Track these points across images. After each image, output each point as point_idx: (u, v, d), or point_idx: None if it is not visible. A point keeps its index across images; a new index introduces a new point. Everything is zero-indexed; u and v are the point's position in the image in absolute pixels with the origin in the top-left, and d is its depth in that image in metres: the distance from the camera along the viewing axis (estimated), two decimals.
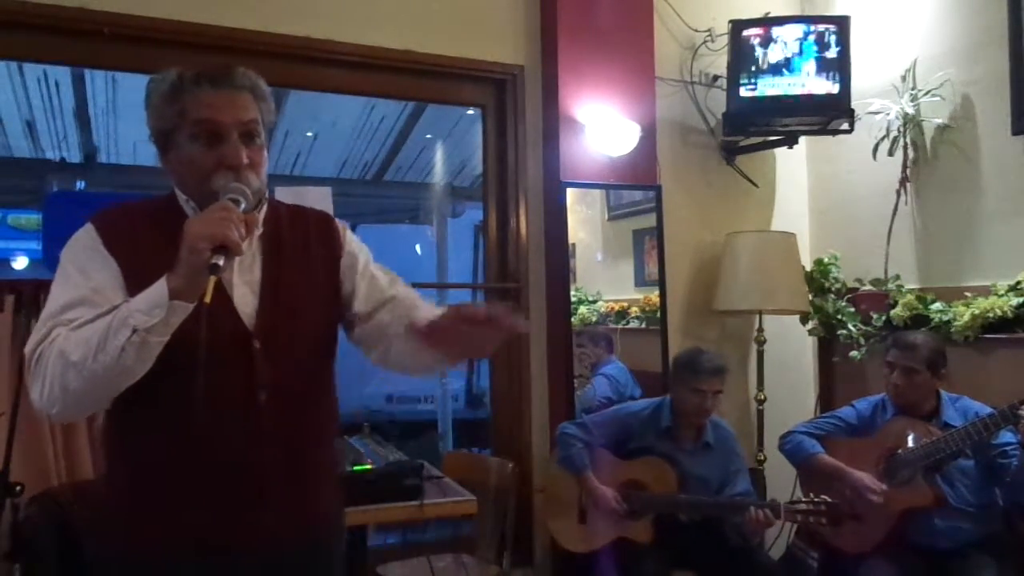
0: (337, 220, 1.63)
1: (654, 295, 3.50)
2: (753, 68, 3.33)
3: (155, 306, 1.24)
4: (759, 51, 3.33)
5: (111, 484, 1.47)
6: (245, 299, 1.43)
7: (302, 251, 1.53)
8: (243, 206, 1.33)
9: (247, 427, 1.39)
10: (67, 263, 1.39)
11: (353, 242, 1.61)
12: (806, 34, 3.30)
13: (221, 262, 1.23)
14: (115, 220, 1.43)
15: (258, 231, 1.47)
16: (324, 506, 1.55)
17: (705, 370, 2.78)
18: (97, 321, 1.28)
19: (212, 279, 1.22)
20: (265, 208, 1.50)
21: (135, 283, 1.32)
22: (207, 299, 1.22)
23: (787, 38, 3.31)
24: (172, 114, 1.39)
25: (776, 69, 3.32)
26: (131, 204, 1.51)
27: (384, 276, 1.60)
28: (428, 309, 1.50)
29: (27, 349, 1.33)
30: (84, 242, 1.41)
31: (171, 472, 1.38)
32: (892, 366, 2.70)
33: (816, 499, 2.58)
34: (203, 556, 1.37)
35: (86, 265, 1.38)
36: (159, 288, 1.25)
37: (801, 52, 3.30)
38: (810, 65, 3.30)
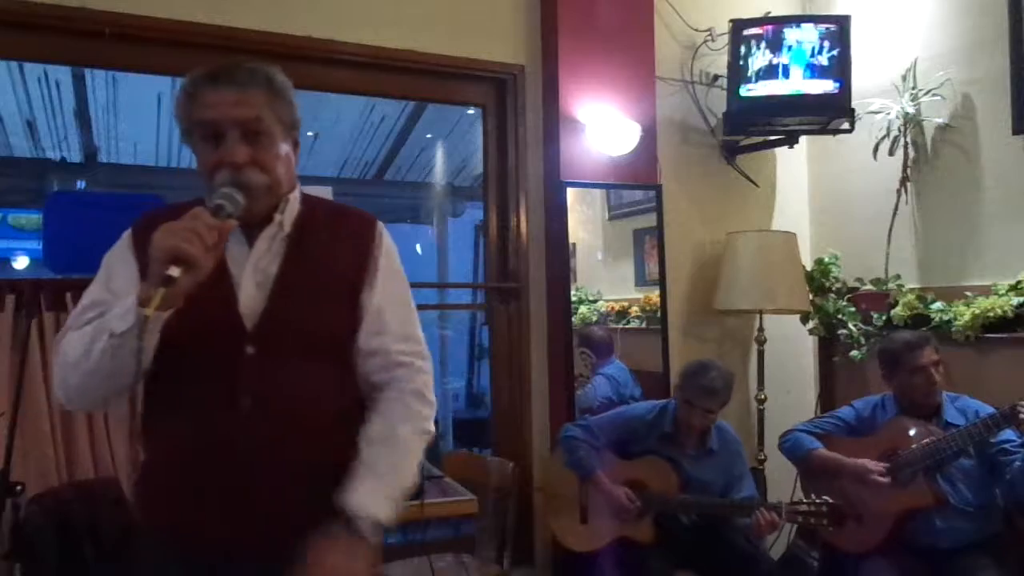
0: (379, 225, 1.54)
1: (654, 295, 3.50)
2: (753, 68, 3.34)
3: (127, 311, 1.26)
4: (759, 50, 3.33)
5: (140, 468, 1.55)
6: (253, 299, 1.40)
7: (328, 253, 1.47)
8: (227, 210, 1.31)
9: (229, 432, 1.36)
10: (104, 264, 1.46)
11: (387, 264, 1.52)
12: (807, 33, 3.30)
13: (176, 274, 1.21)
14: (149, 221, 1.40)
15: (283, 232, 1.45)
16: (316, 513, 1.36)
17: (703, 388, 2.76)
18: (95, 323, 1.33)
19: (161, 290, 1.21)
20: (297, 209, 1.48)
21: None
22: (149, 311, 1.21)
23: (788, 38, 3.31)
24: (186, 117, 1.41)
25: (776, 69, 3.31)
26: (172, 205, 1.49)
27: (400, 329, 1.52)
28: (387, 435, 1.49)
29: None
30: (120, 243, 1.47)
31: (167, 467, 1.42)
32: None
33: (818, 500, 2.59)
34: (192, 552, 1.37)
35: (114, 267, 1.44)
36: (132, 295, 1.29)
37: (801, 52, 3.30)
38: (810, 65, 3.30)
